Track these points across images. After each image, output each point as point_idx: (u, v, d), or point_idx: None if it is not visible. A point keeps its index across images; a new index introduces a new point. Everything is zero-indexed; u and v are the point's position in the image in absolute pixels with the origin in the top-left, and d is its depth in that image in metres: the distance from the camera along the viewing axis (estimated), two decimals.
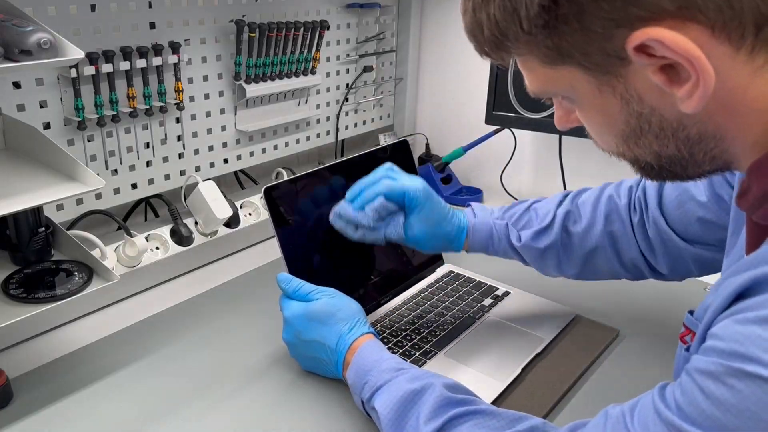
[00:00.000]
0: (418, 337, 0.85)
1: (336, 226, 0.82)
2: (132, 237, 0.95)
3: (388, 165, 0.84)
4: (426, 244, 0.83)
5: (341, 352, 0.72)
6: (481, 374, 0.78)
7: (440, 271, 1.02)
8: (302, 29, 1.19)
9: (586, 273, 0.83)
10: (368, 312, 0.90)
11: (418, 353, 0.82)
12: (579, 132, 1.28)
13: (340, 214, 0.81)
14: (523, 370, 0.79)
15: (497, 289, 0.98)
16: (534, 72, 0.51)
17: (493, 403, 0.74)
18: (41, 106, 0.90)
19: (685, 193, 0.74)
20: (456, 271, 1.03)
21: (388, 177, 0.81)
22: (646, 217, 0.78)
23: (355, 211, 0.80)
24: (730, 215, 0.61)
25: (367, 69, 1.42)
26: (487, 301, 0.94)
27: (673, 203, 0.76)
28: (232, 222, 1.10)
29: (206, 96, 1.12)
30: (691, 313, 0.54)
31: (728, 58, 0.42)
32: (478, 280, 1.00)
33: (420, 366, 0.79)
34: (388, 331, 0.86)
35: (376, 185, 0.81)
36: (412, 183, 0.81)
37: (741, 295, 0.43)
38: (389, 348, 0.82)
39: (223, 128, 1.17)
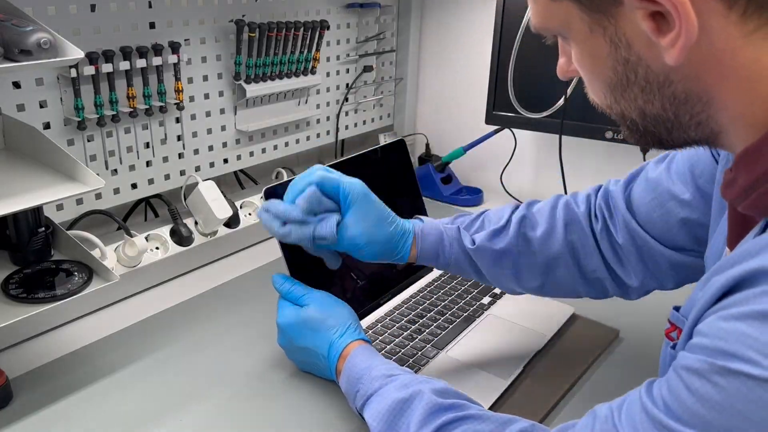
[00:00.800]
0: (419, 337, 0.85)
1: (262, 220, 0.74)
2: (132, 237, 0.95)
3: (322, 165, 0.77)
4: (364, 249, 0.73)
5: (332, 359, 0.71)
6: (484, 372, 0.78)
7: (438, 271, 1.02)
8: (302, 29, 1.19)
9: (548, 287, 0.77)
10: (368, 312, 0.90)
11: (420, 353, 0.82)
12: (579, 132, 1.28)
13: (268, 208, 0.73)
14: (524, 367, 0.80)
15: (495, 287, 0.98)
16: (537, 3, 0.53)
17: (496, 401, 0.74)
18: (41, 106, 0.90)
19: (665, 193, 0.70)
20: None
21: (324, 170, 0.74)
22: (611, 224, 0.74)
23: (285, 204, 0.73)
24: (712, 209, 0.61)
25: (367, 69, 1.42)
26: (486, 299, 0.94)
27: (648, 205, 0.71)
28: (232, 222, 1.10)
29: (206, 96, 1.12)
30: (677, 309, 0.54)
31: (720, 16, 0.42)
32: None
33: (423, 366, 0.79)
34: (388, 332, 0.86)
35: (309, 176, 0.73)
36: (349, 178, 0.74)
37: (727, 291, 0.43)
38: (392, 349, 0.82)
39: (223, 128, 1.17)
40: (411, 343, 0.83)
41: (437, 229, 0.77)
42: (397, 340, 0.84)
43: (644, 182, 0.73)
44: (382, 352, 0.81)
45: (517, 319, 0.90)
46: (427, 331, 0.86)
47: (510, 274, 0.77)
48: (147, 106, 1.01)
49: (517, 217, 0.77)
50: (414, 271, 1.00)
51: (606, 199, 0.76)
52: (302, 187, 0.72)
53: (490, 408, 0.72)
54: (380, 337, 0.84)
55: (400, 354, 0.81)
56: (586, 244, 0.75)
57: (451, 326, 0.88)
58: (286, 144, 1.31)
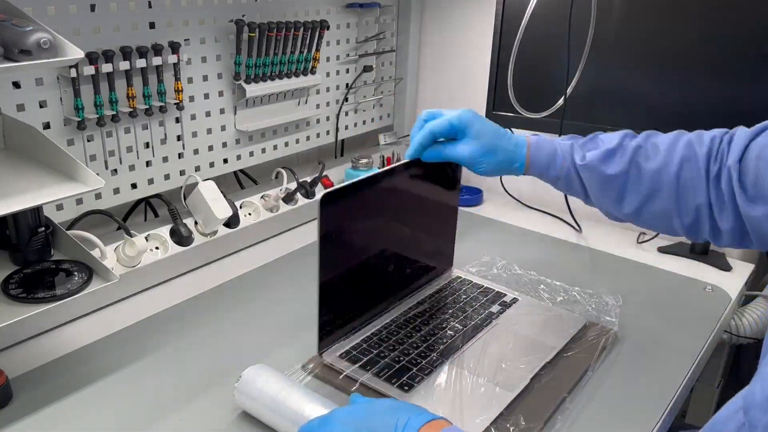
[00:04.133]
0: (424, 345, 0.84)
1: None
2: (132, 237, 0.95)
3: (423, 113, 0.83)
4: (483, 160, 0.81)
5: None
6: (490, 384, 0.77)
7: (447, 277, 1.02)
8: (302, 29, 1.19)
9: (646, 215, 0.78)
10: (375, 317, 0.89)
11: (424, 362, 0.80)
12: (579, 132, 1.28)
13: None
14: (531, 379, 0.78)
15: (505, 295, 0.97)
16: None
17: (502, 412, 0.72)
18: (41, 106, 0.90)
19: None
20: (463, 277, 1.02)
21: (431, 118, 0.82)
22: (723, 169, 0.73)
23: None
24: None
25: (367, 69, 1.42)
26: (495, 308, 0.93)
27: (758, 165, 0.69)
28: (232, 222, 1.10)
29: (206, 96, 1.12)
30: None
31: None
32: (485, 286, 0.99)
33: (427, 375, 0.77)
34: (394, 338, 0.85)
35: (420, 132, 0.82)
36: (454, 111, 0.81)
37: None
38: (396, 357, 0.81)
39: (223, 128, 1.17)
40: (416, 351, 0.82)
41: (551, 143, 0.82)
42: (402, 347, 0.83)
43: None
44: (387, 359, 0.80)
45: (527, 329, 0.88)
46: (434, 338, 0.85)
47: (613, 197, 0.78)
48: (147, 106, 1.01)
49: (633, 145, 0.78)
50: (425, 272, 0.99)
51: (729, 143, 0.74)
52: (418, 135, 0.81)
53: (493, 422, 0.71)
54: (385, 344, 0.83)
55: (404, 362, 0.80)
56: (697, 185, 0.74)
57: (458, 335, 0.86)
58: (286, 144, 1.31)
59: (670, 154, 0.76)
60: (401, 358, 0.81)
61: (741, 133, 0.74)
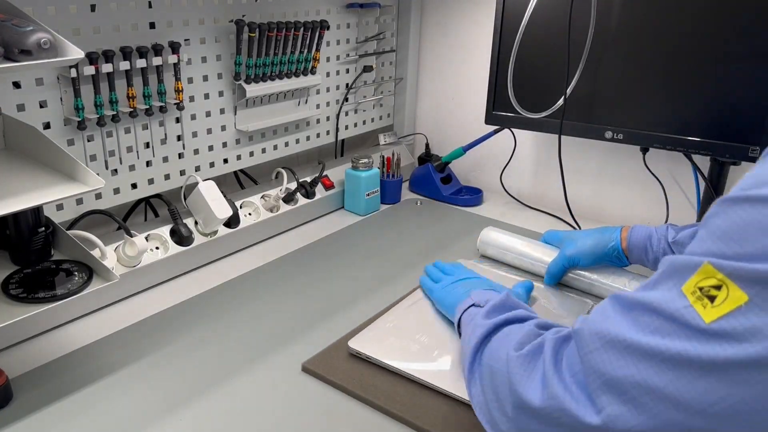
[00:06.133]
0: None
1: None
2: (132, 237, 0.95)
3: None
4: (581, 260, 0.97)
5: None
6: None
7: None
8: (302, 29, 1.19)
9: None
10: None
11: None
12: (579, 132, 1.28)
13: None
14: None
15: None
16: None
17: None
18: (41, 106, 0.90)
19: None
20: None
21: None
22: None
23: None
24: None
25: (367, 69, 1.42)
26: None
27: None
28: (232, 222, 1.10)
29: (206, 96, 1.12)
30: None
31: None
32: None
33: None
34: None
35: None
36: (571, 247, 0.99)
37: None
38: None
39: (223, 128, 1.17)
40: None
41: (647, 228, 0.94)
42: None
43: None
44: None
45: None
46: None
47: None
48: (147, 106, 1.01)
49: None
50: None
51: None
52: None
53: None
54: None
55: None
56: None
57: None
58: (286, 144, 1.31)
59: None
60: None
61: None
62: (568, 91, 1.16)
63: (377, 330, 0.86)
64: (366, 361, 0.80)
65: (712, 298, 0.43)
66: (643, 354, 0.45)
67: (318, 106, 1.35)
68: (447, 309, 0.86)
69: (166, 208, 1.04)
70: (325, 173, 1.30)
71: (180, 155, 1.10)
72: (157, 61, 1.00)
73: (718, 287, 0.43)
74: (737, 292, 0.42)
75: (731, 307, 0.42)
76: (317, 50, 1.25)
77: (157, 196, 1.08)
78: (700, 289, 0.44)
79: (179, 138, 1.09)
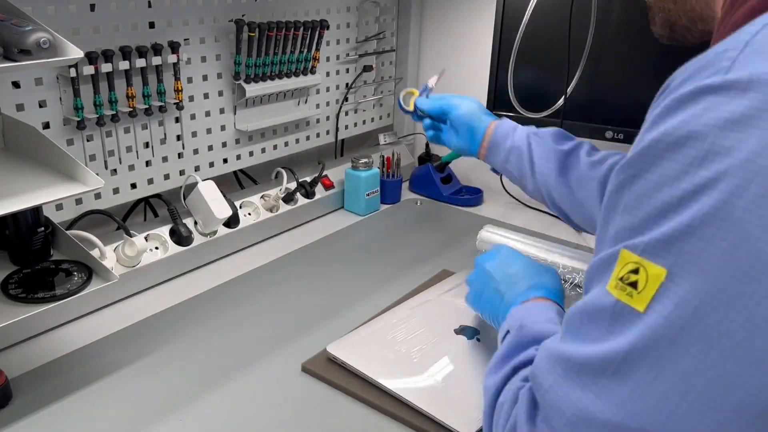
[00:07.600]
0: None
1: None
2: (131, 237, 0.95)
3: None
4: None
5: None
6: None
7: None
8: (302, 29, 1.19)
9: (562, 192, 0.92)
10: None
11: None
12: (579, 132, 1.28)
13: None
14: None
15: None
16: None
17: None
18: (40, 106, 0.90)
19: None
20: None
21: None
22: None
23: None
24: None
25: (366, 69, 1.42)
26: None
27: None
28: (232, 222, 1.10)
29: (206, 96, 1.12)
30: None
31: None
32: None
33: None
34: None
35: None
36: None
37: None
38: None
39: (223, 128, 1.17)
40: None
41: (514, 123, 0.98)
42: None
43: None
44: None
45: None
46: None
47: (553, 168, 0.91)
48: (146, 106, 1.01)
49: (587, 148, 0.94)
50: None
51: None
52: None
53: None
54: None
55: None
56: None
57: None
58: (286, 144, 1.31)
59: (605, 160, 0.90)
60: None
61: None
62: (569, 90, 1.16)
63: (358, 336, 0.84)
64: None
65: (634, 285, 0.40)
66: (595, 370, 0.42)
67: (318, 106, 1.35)
68: (493, 322, 0.79)
69: (165, 208, 1.04)
70: (324, 173, 1.30)
71: (179, 155, 1.10)
72: (156, 60, 1.00)
73: (635, 271, 0.40)
74: (654, 269, 0.39)
75: (656, 286, 0.39)
76: (317, 50, 1.25)
77: (157, 196, 1.08)
78: (621, 279, 0.41)
79: (179, 138, 1.09)
